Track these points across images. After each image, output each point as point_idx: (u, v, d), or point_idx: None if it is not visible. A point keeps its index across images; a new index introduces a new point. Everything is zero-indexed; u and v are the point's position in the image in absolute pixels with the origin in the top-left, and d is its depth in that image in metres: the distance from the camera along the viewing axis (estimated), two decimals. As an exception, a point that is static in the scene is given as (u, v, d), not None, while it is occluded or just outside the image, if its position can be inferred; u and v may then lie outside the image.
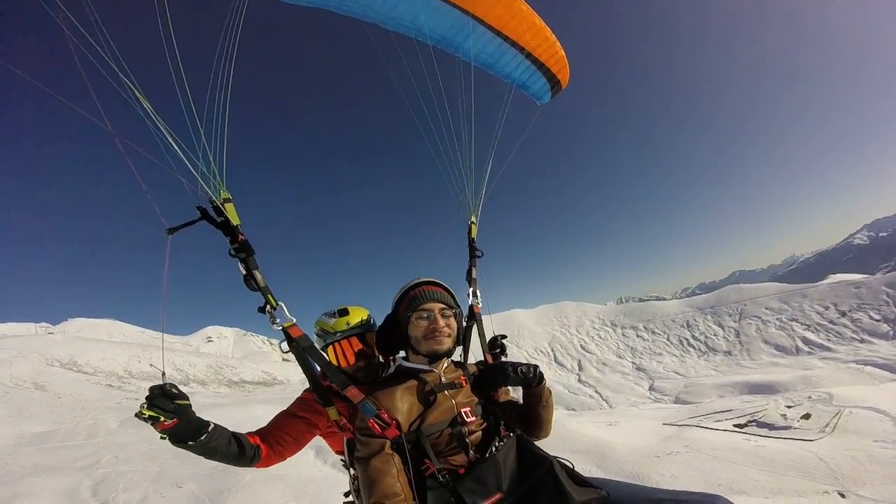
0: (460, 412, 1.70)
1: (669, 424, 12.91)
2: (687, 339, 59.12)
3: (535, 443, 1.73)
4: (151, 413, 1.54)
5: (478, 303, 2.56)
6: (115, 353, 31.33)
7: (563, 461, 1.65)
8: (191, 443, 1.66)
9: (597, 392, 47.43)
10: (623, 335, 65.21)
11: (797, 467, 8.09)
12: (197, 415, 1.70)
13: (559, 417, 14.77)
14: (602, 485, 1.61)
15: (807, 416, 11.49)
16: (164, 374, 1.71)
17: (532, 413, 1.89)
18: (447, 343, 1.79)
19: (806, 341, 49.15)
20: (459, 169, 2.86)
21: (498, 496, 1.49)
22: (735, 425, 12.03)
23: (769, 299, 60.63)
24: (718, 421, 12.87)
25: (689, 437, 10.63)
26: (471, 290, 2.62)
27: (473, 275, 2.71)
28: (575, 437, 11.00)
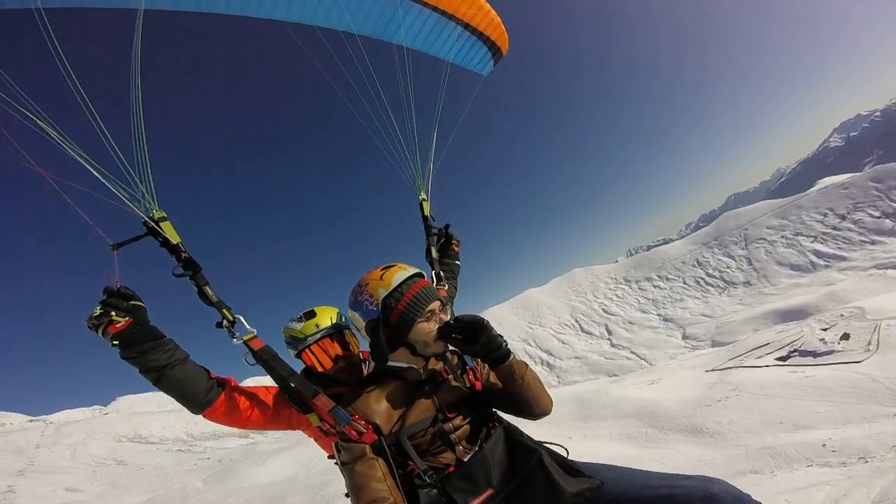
0: (442, 408, 1.62)
1: (712, 370, 12.39)
2: (703, 279, 57.28)
3: (542, 417, 1.71)
4: (101, 311, 1.45)
5: (444, 286, 2.46)
6: (172, 421, 32.18)
7: (555, 449, 1.61)
8: (142, 347, 1.56)
9: (632, 353, 45.84)
10: (640, 289, 63.32)
11: (855, 392, 7.67)
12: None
13: (601, 386, 14.31)
14: (595, 472, 1.57)
15: (846, 337, 10.90)
16: (116, 279, 1.61)
17: (514, 396, 1.67)
18: None
19: (818, 254, 47.53)
20: (403, 150, 2.77)
21: (489, 493, 1.45)
22: (777, 359, 11.54)
23: (767, 218, 58.71)
24: (759, 357, 12.34)
25: (735, 380, 10.27)
26: (433, 272, 2.51)
27: (434, 254, 2.61)
28: (620, 403, 10.61)
